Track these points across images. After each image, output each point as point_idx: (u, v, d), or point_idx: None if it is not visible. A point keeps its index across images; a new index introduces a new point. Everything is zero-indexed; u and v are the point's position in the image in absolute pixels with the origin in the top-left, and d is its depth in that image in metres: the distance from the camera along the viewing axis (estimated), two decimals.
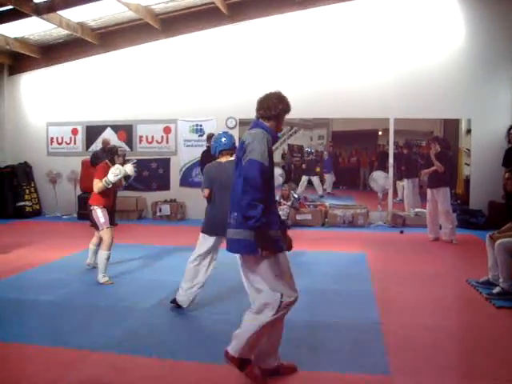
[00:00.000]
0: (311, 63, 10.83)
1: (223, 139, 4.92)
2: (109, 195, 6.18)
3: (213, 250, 4.89)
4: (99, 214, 6.01)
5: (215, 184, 4.72)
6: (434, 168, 8.36)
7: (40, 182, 12.29)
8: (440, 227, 8.72)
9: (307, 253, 7.53)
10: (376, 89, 10.43)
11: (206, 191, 4.81)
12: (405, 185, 10.93)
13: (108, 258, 5.94)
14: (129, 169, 6.18)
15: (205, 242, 4.87)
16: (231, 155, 4.81)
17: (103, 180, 5.93)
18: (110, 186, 5.98)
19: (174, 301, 4.87)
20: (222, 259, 7.02)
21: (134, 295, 5.41)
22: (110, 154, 6.24)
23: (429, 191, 8.61)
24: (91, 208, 6.08)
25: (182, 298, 4.78)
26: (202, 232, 4.93)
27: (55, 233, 9.71)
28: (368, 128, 11.64)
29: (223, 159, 4.84)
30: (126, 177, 6.27)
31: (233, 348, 3.34)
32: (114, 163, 6.11)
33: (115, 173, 5.91)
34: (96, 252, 6.35)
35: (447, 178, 8.50)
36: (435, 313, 4.83)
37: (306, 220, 10.38)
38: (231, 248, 3.39)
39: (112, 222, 6.31)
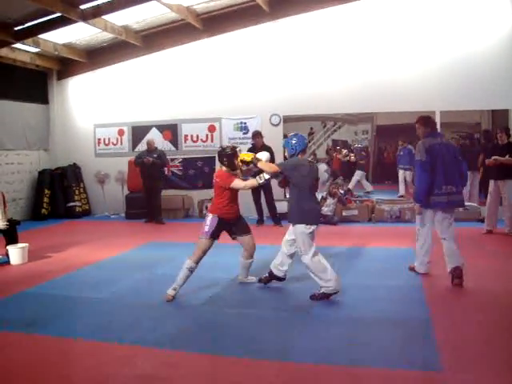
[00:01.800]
0: (354, 57, 10.72)
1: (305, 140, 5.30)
2: (230, 204, 5.49)
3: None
4: (207, 221, 5.40)
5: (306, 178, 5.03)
6: (506, 159, 8.03)
7: (89, 182, 12.59)
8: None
9: (355, 248, 7.48)
10: (420, 81, 10.22)
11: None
12: None
13: (191, 271, 5.33)
14: (262, 155, 5.67)
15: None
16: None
17: (256, 179, 5.34)
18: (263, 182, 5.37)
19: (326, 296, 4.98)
20: (269, 257, 7.07)
21: (184, 293, 5.45)
22: (227, 159, 5.48)
23: (493, 182, 8.38)
24: (205, 215, 5.62)
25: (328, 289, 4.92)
26: (308, 224, 4.95)
27: (104, 232, 9.92)
28: (413, 121, 11.43)
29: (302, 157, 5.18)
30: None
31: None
32: (233, 167, 5.49)
33: (262, 175, 5.26)
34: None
35: None
36: (487, 308, 4.71)
37: (353, 216, 10.29)
38: None
39: (242, 232, 5.64)
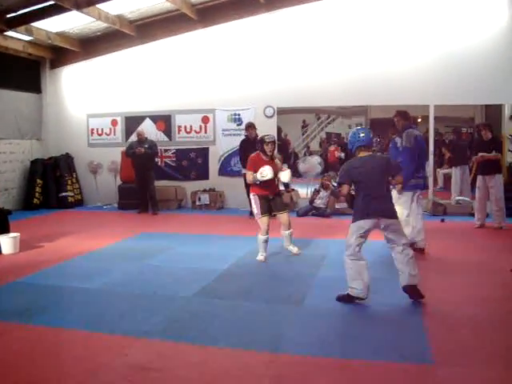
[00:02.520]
0: (349, 50, 10.71)
1: (361, 135, 4.78)
2: (267, 183, 6.30)
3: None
4: (253, 203, 6.41)
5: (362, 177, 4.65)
6: (491, 154, 8.24)
7: (81, 172, 12.55)
8: (487, 215, 8.70)
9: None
10: (415, 74, 10.23)
11: (346, 188, 4.77)
12: (453, 173, 10.71)
13: (266, 241, 6.37)
14: (284, 176, 6.57)
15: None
16: (369, 151, 4.83)
17: (253, 175, 6.26)
18: (258, 182, 6.26)
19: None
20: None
21: (175, 283, 5.48)
22: (260, 144, 6.48)
23: (480, 178, 8.50)
24: (250, 196, 6.57)
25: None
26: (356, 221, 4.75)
27: (97, 222, 9.90)
28: None
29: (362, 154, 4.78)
30: (284, 184, 6.60)
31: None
32: (265, 152, 6.40)
33: (262, 174, 6.15)
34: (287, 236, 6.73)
35: (500, 165, 8.50)
36: (478, 302, 4.74)
37: (346, 208, 10.28)
38: None
39: (278, 209, 6.52)
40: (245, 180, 9.92)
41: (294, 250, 6.70)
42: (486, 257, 6.59)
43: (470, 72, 10.02)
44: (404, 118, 6.71)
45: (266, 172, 6.13)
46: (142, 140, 10.89)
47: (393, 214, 4.67)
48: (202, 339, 3.90)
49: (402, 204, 6.37)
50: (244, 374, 3.37)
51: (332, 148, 12.18)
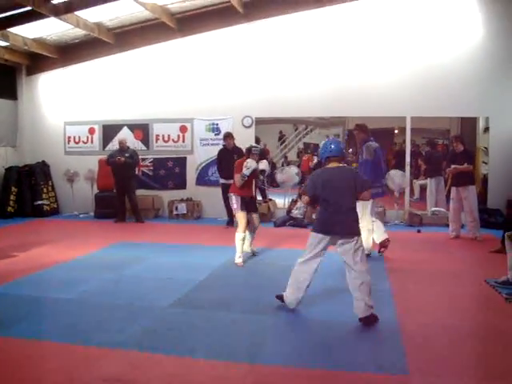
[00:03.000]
0: (327, 61, 10.79)
1: (332, 146, 4.77)
2: (246, 186, 6.95)
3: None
4: (233, 201, 6.95)
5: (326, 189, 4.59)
6: (464, 166, 8.38)
7: (57, 180, 12.38)
8: (462, 226, 8.84)
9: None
10: (392, 87, 10.37)
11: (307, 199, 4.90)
12: (428, 184, 10.83)
13: (243, 239, 6.85)
14: (263, 164, 7.09)
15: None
16: (339, 162, 4.79)
17: (241, 176, 6.81)
18: (246, 178, 6.82)
19: None
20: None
21: (151, 294, 5.43)
22: (247, 153, 7.09)
23: (454, 189, 8.65)
24: (229, 195, 7.14)
25: None
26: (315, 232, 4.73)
27: (73, 231, 9.78)
28: (384, 126, 11.57)
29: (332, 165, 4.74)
30: (262, 171, 7.15)
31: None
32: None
33: (247, 166, 6.78)
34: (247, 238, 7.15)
35: (473, 176, 8.65)
36: (454, 312, 4.80)
37: None
38: None
39: (251, 210, 7.12)
40: (222, 190, 9.95)
41: (254, 249, 7.42)
42: (462, 267, 6.68)
43: (446, 85, 10.18)
44: (363, 131, 7.26)
45: (249, 164, 6.79)
46: (123, 149, 10.82)
47: (353, 231, 4.56)
48: (179, 350, 3.87)
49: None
50: None
51: (305, 157, 12.28)
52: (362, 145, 7.17)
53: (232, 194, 6.98)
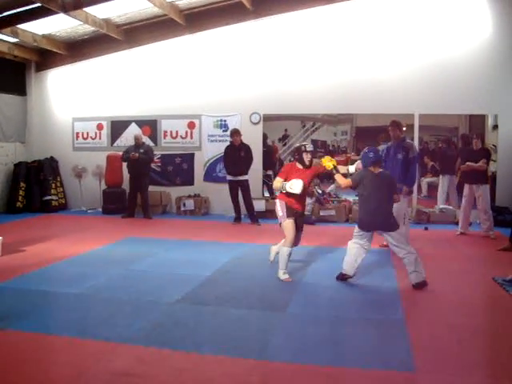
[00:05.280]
0: (335, 58, 10.79)
1: (371, 154, 5.52)
2: (296, 198, 5.82)
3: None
4: (278, 207, 5.92)
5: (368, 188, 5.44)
6: (478, 164, 8.35)
7: (66, 176, 12.45)
8: (470, 224, 8.89)
9: (331, 248, 7.52)
10: (400, 84, 10.35)
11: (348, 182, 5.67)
12: (440, 181, 10.81)
13: (289, 254, 5.78)
14: (352, 168, 6.11)
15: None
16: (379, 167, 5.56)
17: (282, 183, 5.76)
18: (284, 191, 5.77)
19: None
20: (246, 256, 7.09)
21: (159, 289, 5.46)
22: (297, 154, 5.98)
23: (467, 186, 8.61)
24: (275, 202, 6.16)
25: None
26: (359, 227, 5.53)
27: (81, 227, 9.82)
28: None
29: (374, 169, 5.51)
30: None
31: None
32: (302, 162, 5.90)
33: (291, 186, 5.65)
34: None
35: (487, 174, 8.62)
36: (460, 310, 4.79)
37: (330, 216, 10.35)
38: None
39: (297, 227, 5.90)
40: (229, 186, 9.96)
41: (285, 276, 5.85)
42: (469, 265, 6.66)
43: (455, 82, 10.15)
44: (399, 128, 7.27)
45: (294, 186, 5.64)
46: (138, 144, 10.86)
47: (389, 228, 5.39)
48: (186, 346, 3.89)
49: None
50: (228, 380, 3.37)
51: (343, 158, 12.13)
52: (397, 142, 7.21)
53: (278, 200, 5.94)
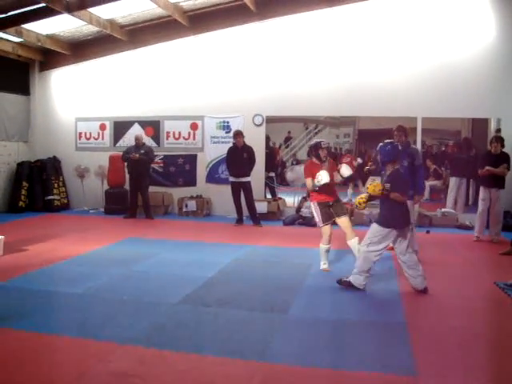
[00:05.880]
0: (338, 61, 10.80)
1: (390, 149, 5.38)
2: (327, 189, 6.25)
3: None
4: (314, 212, 6.42)
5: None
6: (499, 169, 8.25)
7: (68, 176, 12.47)
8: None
9: (333, 251, 7.50)
10: (403, 87, 10.36)
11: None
12: (450, 182, 10.78)
13: (327, 251, 6.42)
14: (344, 169, 6.34)
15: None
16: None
17: (312, 181, 6.19)
18: (317, 188, 6.19)
19: None
20: (247, 257, 7.09)
21: (160, 290, 5.46)
22: (314, 150, 6.44)
23: (485, 190, 8.48)
24: (311, 204, 6.59)
25: None
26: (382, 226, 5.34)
27: (83, 227, 9.83)
28: (394, 126, 11.49)
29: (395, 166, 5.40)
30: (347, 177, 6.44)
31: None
32: (319, 158, 6.38)
33: (318, 179, 6.04)
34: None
35: (504, 180, 8.44)
36: (462, 314, 4.78)
37: None
38: None
39: (339, 213, 6.37)
40: (232, 188, 9.97)
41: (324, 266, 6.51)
42: (471, 269, 6.66)
43: (458, 86, 10.16)
44: (406, 134, 7.04)
45: (321, 177, 6.02)
46: (139, 145, 10.88)
47: (409, 221, 5.40)
48: (187, 347, 3.89)
49: None
50: (229, 382, 3.37)
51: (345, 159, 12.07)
52: (402, 148, 6.95)
53: (313, 203, 6.40)
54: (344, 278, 5.50)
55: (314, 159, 6.43)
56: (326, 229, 6.30)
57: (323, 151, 6.35)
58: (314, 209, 6.39)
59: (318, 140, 6.55)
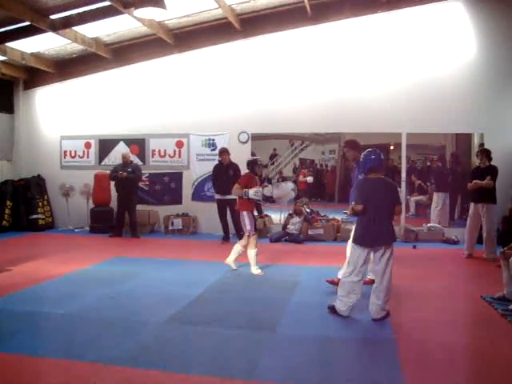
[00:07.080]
0: (323, 78, 10.87)
1: (373, 157, 4.98)
2: (251, 202, 7.11)
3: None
4: (246, 221, 7.04)
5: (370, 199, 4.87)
6: (485, 182, 8.07)
7: (53, 195, 12.36)
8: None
9: (320, 267, 7.51)
10: (388, 103, 10.45)
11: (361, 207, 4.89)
12: (434, 198, 10.88)
13: (257, 254, 7.11)
14: (266, 190, 7.30)
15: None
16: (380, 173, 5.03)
17: (243, 189, 6.95)
18: (245, 198, 6.97)
19: None
20: (234, 275, 7.05)
21: (146, 309, 5.40)
22: (251, 165, 7.27)
23: (472, 205, 8.37)
24: (240, 213, 7.13)
25: None
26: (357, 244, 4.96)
27: (68, 246, 9.73)
28: (379, 142, 11.59)
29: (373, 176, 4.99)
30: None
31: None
32: (255, 173, 7.27)
33: (256, 194, 6.95)
34: (239, 252, 7.32)
35: (494, 194, 8.20)
36: (450, 329, 4.78)
37: (319, 234, 10.35)
38: None
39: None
40: (218, 205, 9.94)
41: (258, 271, 7.15)
42: (458, 283, 6.68)
43: (442, 102, 10.27)
44: (353, 148, 6.41)
45: (259, 194, 7.00)
46: (126, 163, 10.84)
47: (390, 239, 4.87)
48: (174, 366, 3.84)
49: None
50: None
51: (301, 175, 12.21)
52: (355, 163, 6.78)
53: (245, 212, 7.07)
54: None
55: (253, 174, 7.25)
56: (256, 236, 7.13)
57: (259, 168, 7.33)
58: (246, 219, 7.03)
59: (255, 157, 7.51)
